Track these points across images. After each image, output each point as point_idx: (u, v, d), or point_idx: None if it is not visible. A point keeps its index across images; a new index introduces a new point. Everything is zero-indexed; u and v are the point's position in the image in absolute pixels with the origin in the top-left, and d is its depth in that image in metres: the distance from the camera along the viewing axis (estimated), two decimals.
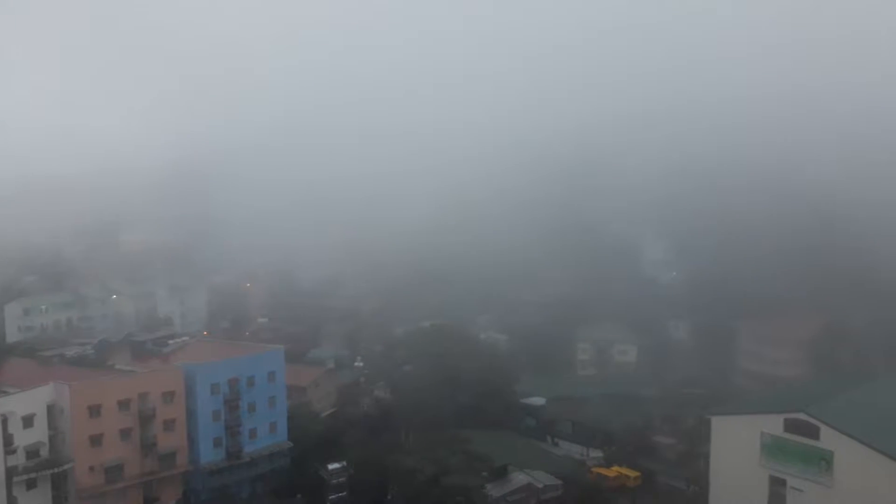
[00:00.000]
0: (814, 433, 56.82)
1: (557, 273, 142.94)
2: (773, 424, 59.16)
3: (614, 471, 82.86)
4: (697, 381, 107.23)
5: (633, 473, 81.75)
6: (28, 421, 64.99)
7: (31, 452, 65.13)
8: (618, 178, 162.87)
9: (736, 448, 61.65)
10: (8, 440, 63.02)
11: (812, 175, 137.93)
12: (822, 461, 56.33)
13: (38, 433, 65.81)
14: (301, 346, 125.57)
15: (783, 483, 58.85)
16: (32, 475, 64.54)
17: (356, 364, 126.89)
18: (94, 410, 67.68)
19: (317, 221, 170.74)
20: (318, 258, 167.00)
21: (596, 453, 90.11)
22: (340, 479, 73.22)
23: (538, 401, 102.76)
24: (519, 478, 75.93)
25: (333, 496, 72.75)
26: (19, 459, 64.14)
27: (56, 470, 65.84)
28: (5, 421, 62.87)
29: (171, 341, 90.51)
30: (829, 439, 56.09)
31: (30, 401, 65.55)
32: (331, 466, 73.49)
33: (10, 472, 62.92)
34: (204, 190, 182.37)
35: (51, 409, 66.73)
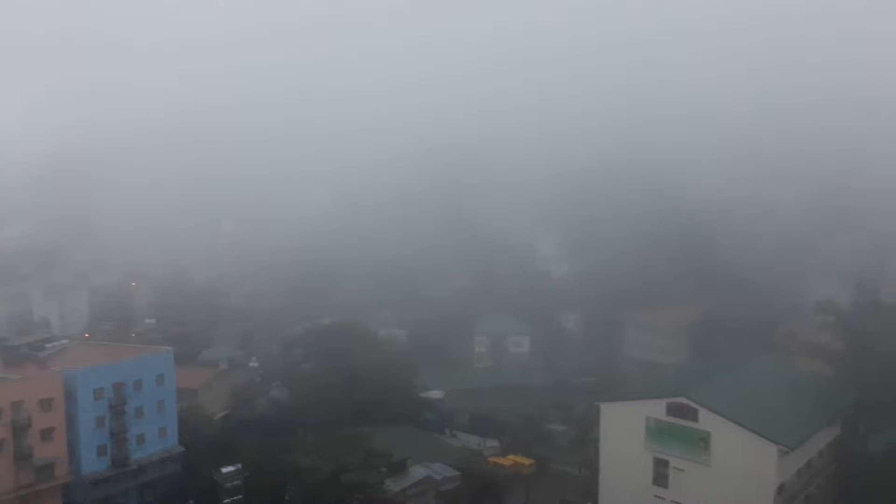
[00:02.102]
0: (693, 416, 60.27)
1: (453, 269, 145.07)
2: (657, 409, 62.24)
3: (510, 459, 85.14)
4: (587, 369, 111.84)
5: (527, 461, 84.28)
6: None
7: None
8: (508, 176, 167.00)
9: (623, 432, 64.43)
10: None
11: (692, 175, 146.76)
12: (701, 441, 59.90)
13: None
14: (192, 346, 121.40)
15: (666, 464, 62.07)
16: None
17: (251, 364, 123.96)
18: None
19: (208, 219, 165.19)
20: (210, 256, 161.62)
21: (492, 443, 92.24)
22: (235, 483, 71.28)
23: (437, 394, 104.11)
24: (418, 471, 76.72)
25: (228, 500, 70.73)
26: None
27: None
28: None
29: (48, 345, 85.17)
30: (707, 421, 59.66)
31: None
32: (225, 470, 71.40)
33: None
34: (85, 186, 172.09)
35: None
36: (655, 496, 62.55)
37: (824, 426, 63.60)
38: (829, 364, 73.15)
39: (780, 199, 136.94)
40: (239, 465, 72.12)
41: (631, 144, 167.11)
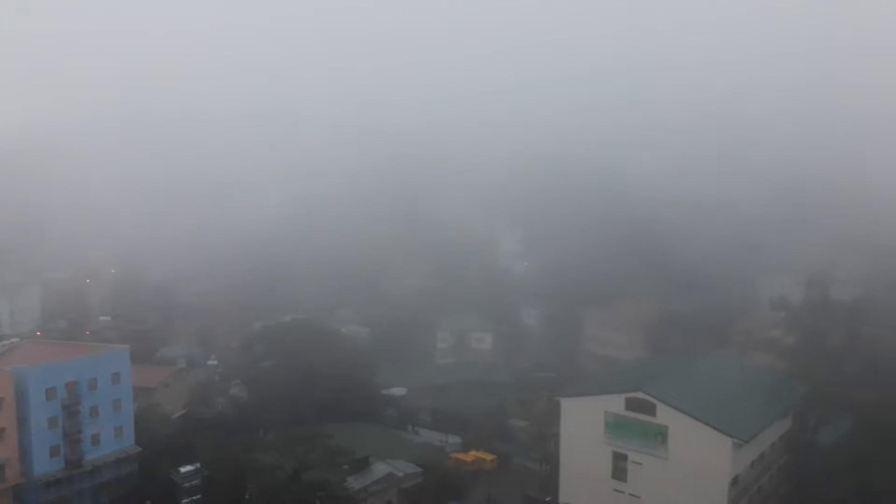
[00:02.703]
0: (651, 410, 61.44)
1: (415, 265, 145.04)
2: (616, 403, 63.33)
3: (472, 455, 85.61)
4: (548, 365, 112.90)
5: (489, 457, 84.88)
6: None
7: None
8: (467, 172, 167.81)
9: (583, 427, 65.33)
10: None
11: (650, 173, 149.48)
12: (659, 435, 61.09)
13: None
14: (149, 344, 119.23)
15: (625, 458, 63.22)
16: None
17: (210, 362, 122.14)
18: None
19: (164, 214, 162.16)
20: (167, 252, 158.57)
21: (455, 439, 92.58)
22: (194, 482, 70.16)
23: (399, 391, 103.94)
24: (380, 468, 76.59)
25: (186, 500, 69.62)
26: None
27: None
28: None
29: None
30: (664, 415, 60.89)
31: None
32: (183, 469, 70.23)
33: None
34: (37, 182, 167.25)
35: None
36: (614, 490, 63.66)
37: (776, 419, 65.46)
38: (781, 358, 75.41)
39: (736, 198, 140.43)
40: (198, 465, 71.04)
41: (589, 142, 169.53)
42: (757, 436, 61.07)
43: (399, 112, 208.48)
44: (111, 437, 74.03)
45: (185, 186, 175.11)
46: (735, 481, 59.66)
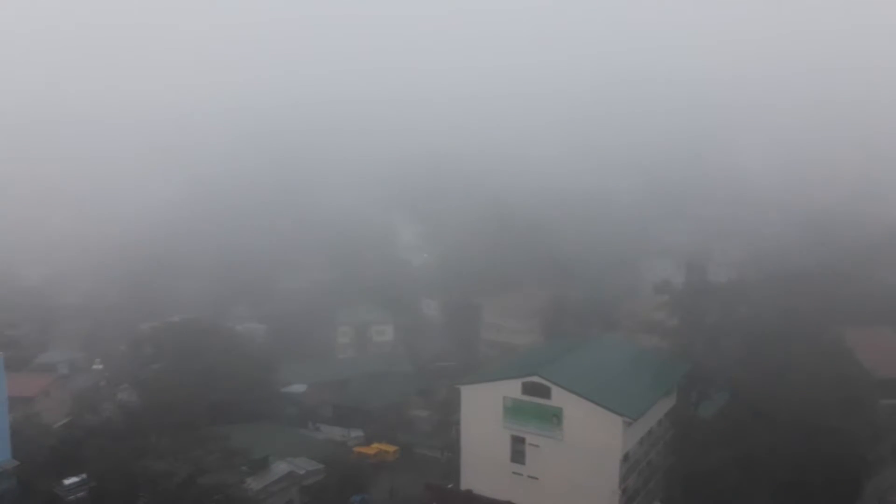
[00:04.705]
0: (546, 393, 63.62)
1: (311, 259, 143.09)
2: (513, 388, 65.10)
3: (374, 448, 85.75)
4: (449, 354, 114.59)
5: (392, 448, 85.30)
6: None
7: None
8: (361, 163, 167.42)
9: (482, 413, 66.80)
10: None
11: (536, 164, 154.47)
12: (554, 417, 63.39)
13: None
14: (26, 351, 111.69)
15: (523, 441, 65.23)
16: None
17: (95, 367, 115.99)
18: None
19: (40, 210, 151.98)
20: (43, 250, 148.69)
21: (357, 433, 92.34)
22: (79, 495, 66.57)
23: (299, 388, 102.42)
24: (280, 467, 75.31)
25: None
26: None
27: None
28: None
29: None
30: (559, 397, 63.21)
31: None
32: (67, 481, 66.48)
33: None
34: None
35: None
36: (514, 473, 65.60)
37: (662, 396, 69.35)
38: (665, 339, 79.86)
39: (619, 188, 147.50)
40: (83, 476, 67.47)
41: (478, 136, 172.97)
42: (645, 413, 64.52)
43: (293, 107, 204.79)
44: None
45: (66, 186, 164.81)
46: (626, 458, 62.88)
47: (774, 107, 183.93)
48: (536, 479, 64.67)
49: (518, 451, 65.57)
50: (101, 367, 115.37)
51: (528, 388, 64.30)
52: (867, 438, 67.99)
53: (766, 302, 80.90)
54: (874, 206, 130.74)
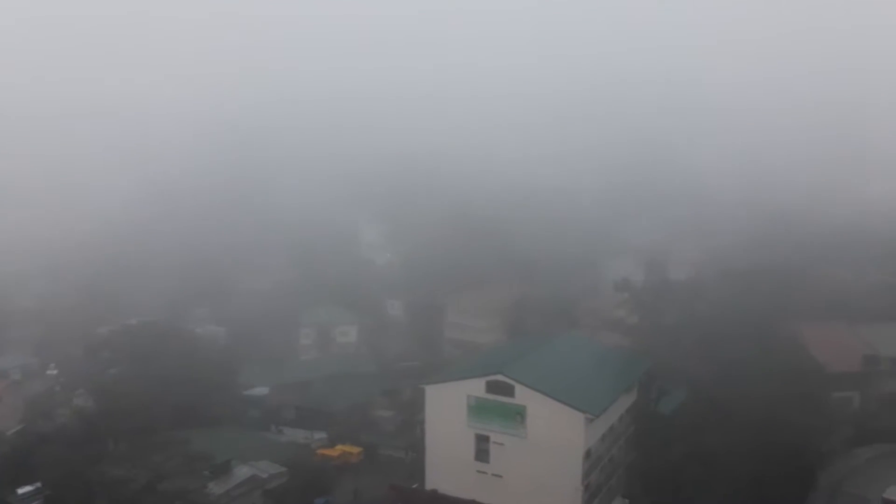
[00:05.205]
0: (510, 391, 63.89)
1: (274, 259, 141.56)
2: (477, 387, 65.18)
3: (338, 450, 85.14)
4: (413, 354, 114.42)
5: (355, 450, 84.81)
6: None
7: None
8: (326, 167, 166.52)
9: (447, 412, 66.71)
10: None
11: (499, 163, 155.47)
12: (518, 415, 63.70)
13: None
14: None
15: (487, 439, 65.37)
16: None
17: (49, 372, 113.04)
18: None
19: None
20: None
21: (321, 435, 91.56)
22: (34, 503, 65.00)
23: (261, 391, 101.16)
24: (243, 471, 74.50)
25: None
26: None
27: None
28: None
29: None
30: (523, 395, 63.51)
31: None
32: (21, 490, 64.86)
33: None
34: None
35: None
36: (478, 471, 65.73)
37: (623, 393, 70.16)
38: (626, 336, 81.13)
39: (580, 187, 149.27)
40: (38, 484, 65.80)
41: (442, 135, 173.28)
42: (606, 409, 65.25)
43: (255, 105, 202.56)
44: None
45: (19, 185, 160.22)
46: (588, 454, 63.52)
47: (733, 110, 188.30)
48: (501, 477, 64.95)
49: (482, 449, 65.78)
50: (55, 372, 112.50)
51: (492, 387, 64.53)
52: (820, 431, 70.06)
53: (724, 299, 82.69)
54: (826, 206, 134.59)
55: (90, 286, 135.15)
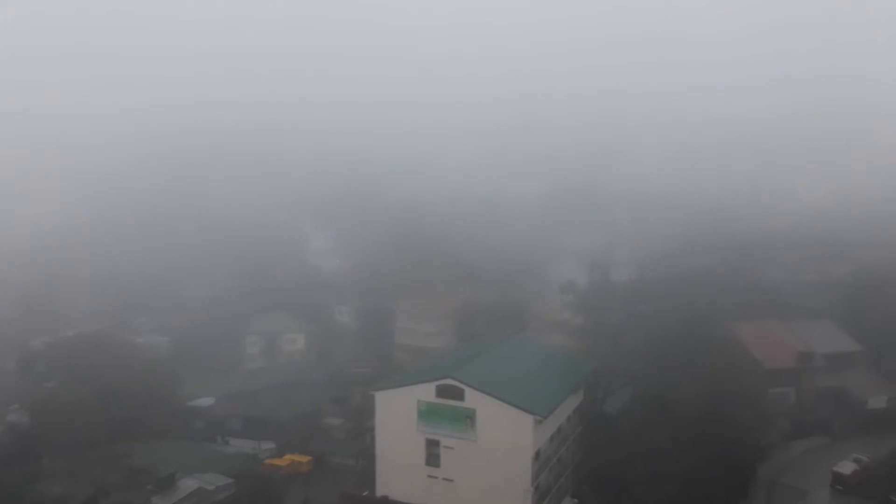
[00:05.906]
0: (460, 395, 64.21)
1: (217, 266, 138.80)
2: (427, 392, 65.33)
3: (287, 459, 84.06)
4: (363, 360, 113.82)
5: (304, 459, 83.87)
6: None
7: None
8: (272, 174, 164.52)
9: (397, 418, 66.68)
10: None
11: (440, 168, 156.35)
12: (467, 419, 64.11)
13: None
14: None
15: (437, 444, 65.58)
16: None
17: None
18: None
19: None
20: None
21: (268, 445, 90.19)
22: None
23: (206, 401, 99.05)
24: (188, 483, 72.75)
25: None
26: None
27: None
28: None
29: None
30: (472, 399, 63.93)
31: None
32: None
33: None
34: None
35: None
36: (429, 476, 65.88)
37: (570, 394, 71.42)
38: (571, 338, 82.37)
39: (523, 192, 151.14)
40: None
41: (388, 140, 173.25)
42: (554, 411, 66.28)
43: (196, 108, 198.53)
44: None
45: None
46: (537, 455, 64.36)
47: (675, 118, 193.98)
48: (451, 481, 65.20)
49: (433, 454, 65.90)
50: None
51: (442, 391, 64.78)
52: (759, 425, 72.54)
53: (665, 300, 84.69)
54: (759, 210, 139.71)
55: (23, 297, 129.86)
